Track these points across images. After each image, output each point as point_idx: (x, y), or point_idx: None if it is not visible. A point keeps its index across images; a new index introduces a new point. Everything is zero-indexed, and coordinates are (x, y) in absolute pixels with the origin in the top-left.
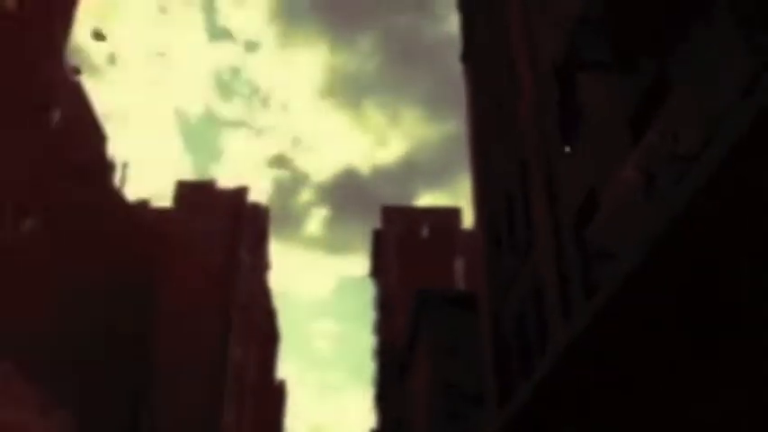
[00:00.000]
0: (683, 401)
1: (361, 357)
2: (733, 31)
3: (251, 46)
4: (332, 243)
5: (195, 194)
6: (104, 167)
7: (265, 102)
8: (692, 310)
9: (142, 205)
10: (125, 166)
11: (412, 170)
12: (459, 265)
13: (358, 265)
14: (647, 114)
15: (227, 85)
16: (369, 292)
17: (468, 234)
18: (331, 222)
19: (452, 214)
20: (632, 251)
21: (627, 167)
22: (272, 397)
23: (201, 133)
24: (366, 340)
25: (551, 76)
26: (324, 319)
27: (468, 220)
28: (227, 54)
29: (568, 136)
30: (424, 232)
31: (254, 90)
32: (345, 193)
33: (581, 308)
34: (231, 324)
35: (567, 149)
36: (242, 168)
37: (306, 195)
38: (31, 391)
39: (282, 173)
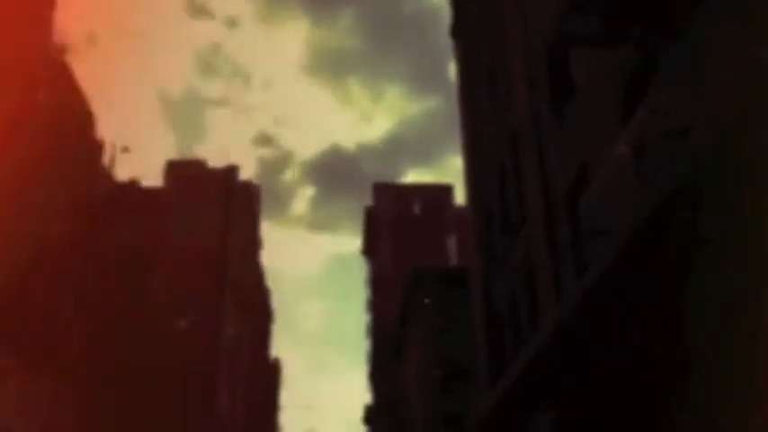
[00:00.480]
0: (672, 377)
1: (354, 335)
2: (724, 6)
3: (231, 23)
4: (319, 221)
5: (185, 174)
6: (94, 148)
7: (248, 79)
8: (682, 288)
9: (132, 185)
10: (114, 147)
11: (397, 147)
12: (451, 242)
13: (347, 243)
14: (638, 90)
15: (208, 63)
16: (358, 270)
17: (461, 211)
18: (318, 201)
19: (444, 191)
20: (623, 228)
21: (618, 143)
22: (266, 375)
23: (184, 112)
24: (358, 318)
25: (543, 51)
26: (313, 298)
27: (460, 196)
28: (207, 32)
29: (560, 112)
30: (416, 209)
31: (236, 68)
32: (331, 170)
33: (572, 284)
34: (224, 303)
35: (559, 126)
36: (226, 147)
37: (291, 174)
38: (30, 382)
39: (267, 151)
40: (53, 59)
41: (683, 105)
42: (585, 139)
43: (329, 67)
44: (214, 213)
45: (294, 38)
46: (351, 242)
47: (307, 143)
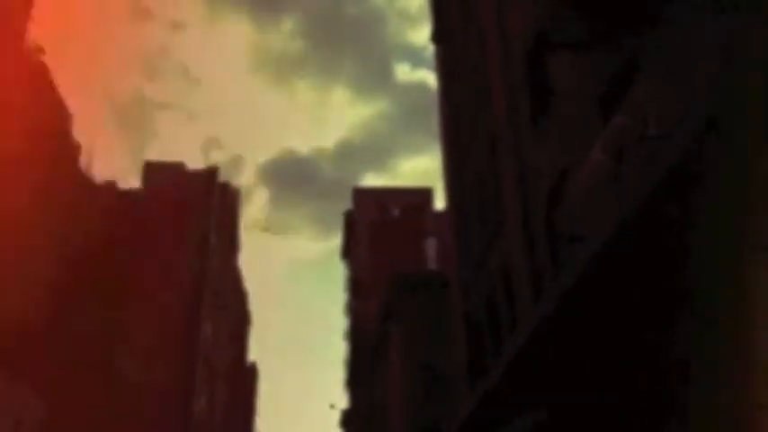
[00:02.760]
0: (653, 378)
1: (321, 339)
2: (704, 10)
3: (175, 26)
4: (276, 225)
5: (164, 176)
6: (70, 148)
7: (194, 83)
8: (658, 291)
9: (110, 186)
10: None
11: (349, 151)
12: (430, 246)
13: (306, 246)
14: (617, 94)
15: (154, 66)
16: (321, 272)
17: (440, 214)
18: (273, 204)
19: (424, 195)
20: (598, 233)
21: (596, 148)
22: (244, 379)
23: (133, 117)
24: (324, 322)
25: (522, 55)
26: (276, 303)
27: (439, 200)
28: (152, 35)
29: (539, 117)
30: (395, 213)
31: (183, 71)
32: (285, 175)
33: (549, 289)
34: (201, 306)
35: (537, 131)
36: (177, 151)
37: (244, 178)
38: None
39: (217, 155)
40: (29, 59)
41: (662, 109)
42: (564, 144)
43: (275, 70)
44: (192, 216)
45: (239, 42)
46: (310, 246)
47: (257, 147)
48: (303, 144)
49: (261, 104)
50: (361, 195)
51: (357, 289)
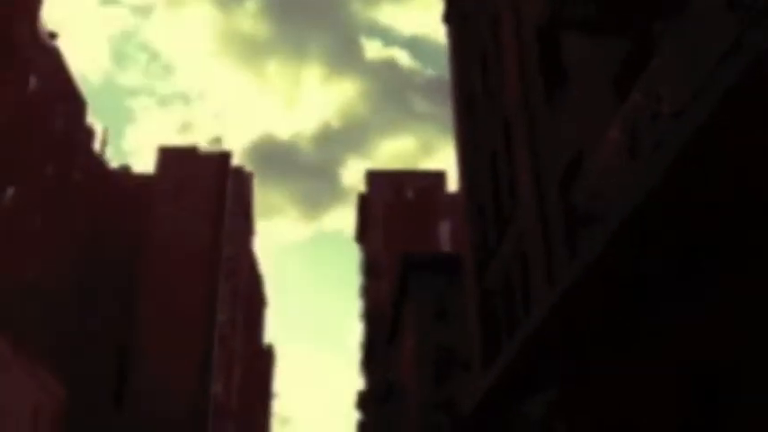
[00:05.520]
0: (664, 361)
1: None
2: None
3: (142, 10)
4: (261, 210)
5: (178, 160)
6: (85, 133)
7: (165, 68)
8: (673, 273)
9: (124, 171)
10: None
11: (327, 132)
12: (444, 228)
13: (292, 230)
14: (631, 74)
15: (122, 51)
16: (307, 257)
17: (454, 197)
18: (257, 189)
19: (437, 177)
20: (615, 213)
21: (611, 128)
22: (261, 362)
23: (106, 103)
24: (327, 304)
25: (535, 35)
26: (271, 285)
27: (453, 182)
28: (120, 20)
29: (553, 98)
30: (409, 195)
31: (152, 55)
32: (264, 158)
33: (564, 272)
34: (217, 290)
35: (552, 111)
36: (153, 138)
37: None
38: (18, 354)
39: (195, 140)
40: (44, 45)
41: (676, 88)
42: (578, 125)
43: (244, 52)
44: (207, 200)
45: (205, 24)
46: (296, 229)
47: (233, 130)
48: (281, 128)
49: (232, 87)
50: (375, 178)
51: (371, 271)
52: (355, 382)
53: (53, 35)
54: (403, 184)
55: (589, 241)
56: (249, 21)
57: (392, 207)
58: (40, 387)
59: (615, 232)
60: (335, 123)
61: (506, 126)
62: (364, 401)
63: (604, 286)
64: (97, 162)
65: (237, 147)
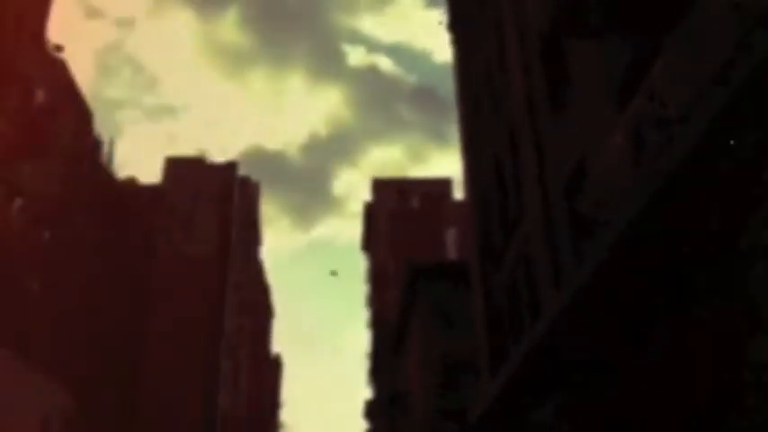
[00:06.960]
0: (671, 366)
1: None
2: None
3: (125, 22)
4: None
5: (185, 170)
6: (92, 145)
7: (152, 80)
8: (678, 277)
9: (131, 182)
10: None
11: (315, 142)
12: (450, 236)
13: (285, 240)
14: (635, 79)
15: (107, 64)
16: (304, 267)
17: (460, 204)
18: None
19: (443, 184)
20: (620, 218)
21: (615, 134)
22: (268, 372)
23: (96, 117)
24: (319, 314)
25: (540, 43)
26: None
27: (459, 190)
28: (104, 33)
29: (557, 103)
30: (415, 203)
31: (138, 68)
32: (252, 169)
33: (570, 277)
34: (225, 300)
35: (556, 117)
36: (142, 150)
37: None
38: (29, 371)
39: (184, 153)
40: (50, 58)
41: (680, 92)
42: (583, 130)
43: (226, 63)
44: (214, 210)
45: (188, 36)
46: (289, 239)
47: (221, 141)
48: (268, 138)
49: (217, 98)
50: (381, 186)
51: (377, 280)
52: (363, 391)
53: (59, 48)
54: (408, 191)
55: (594, 247)
56: (230, 31)
57: (398, 215)
58: (50, 398)
59: (620, 237)
60: (323, 132)
61: (511, 132)
62: (372, 410)
63: (610, 292)
64: (105, 173)
65: (225, 158)
